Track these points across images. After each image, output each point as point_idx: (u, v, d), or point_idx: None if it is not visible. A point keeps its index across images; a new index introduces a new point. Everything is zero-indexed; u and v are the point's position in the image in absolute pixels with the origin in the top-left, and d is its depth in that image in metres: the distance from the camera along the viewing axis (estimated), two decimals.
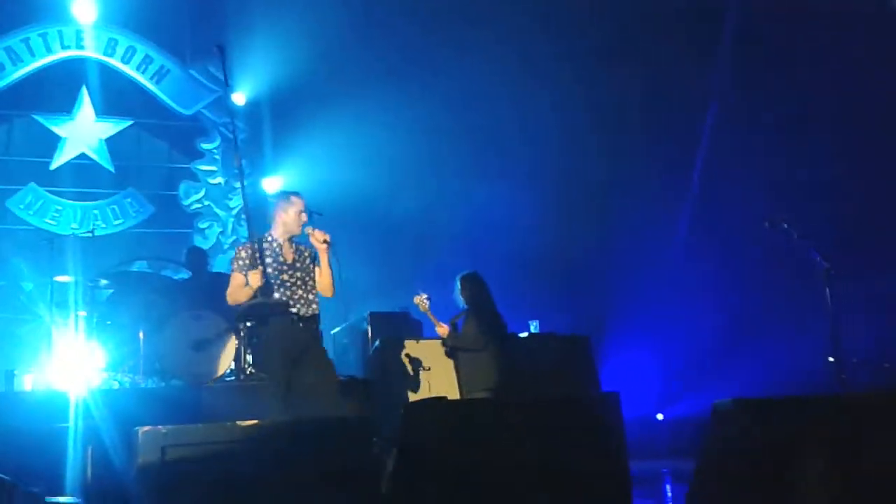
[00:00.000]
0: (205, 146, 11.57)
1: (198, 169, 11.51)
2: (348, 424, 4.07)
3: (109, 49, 11.17)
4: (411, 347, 7.81)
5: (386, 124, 10.57)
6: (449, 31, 10.67)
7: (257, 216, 6.57)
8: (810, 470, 3.74)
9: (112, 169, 11.08)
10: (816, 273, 6.70)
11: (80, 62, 11.06)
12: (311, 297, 5.62)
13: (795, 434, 3.83)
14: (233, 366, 7.60)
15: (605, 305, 10.39)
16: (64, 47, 10.97)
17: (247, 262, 5.49)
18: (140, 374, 7.43)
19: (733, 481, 3.80)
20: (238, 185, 11.46)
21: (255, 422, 3.87)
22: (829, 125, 9.72)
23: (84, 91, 11.02)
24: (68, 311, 7.89)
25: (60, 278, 8.16)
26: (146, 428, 3.59)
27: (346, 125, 10.60)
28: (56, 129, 10.91)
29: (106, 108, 11.10)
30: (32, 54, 10.85)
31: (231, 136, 11.23)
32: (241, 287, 5.46)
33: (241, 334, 7.56)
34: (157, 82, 11.36)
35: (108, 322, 7.87)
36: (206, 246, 10.86)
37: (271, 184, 11.18)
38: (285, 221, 5.67)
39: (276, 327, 5.50)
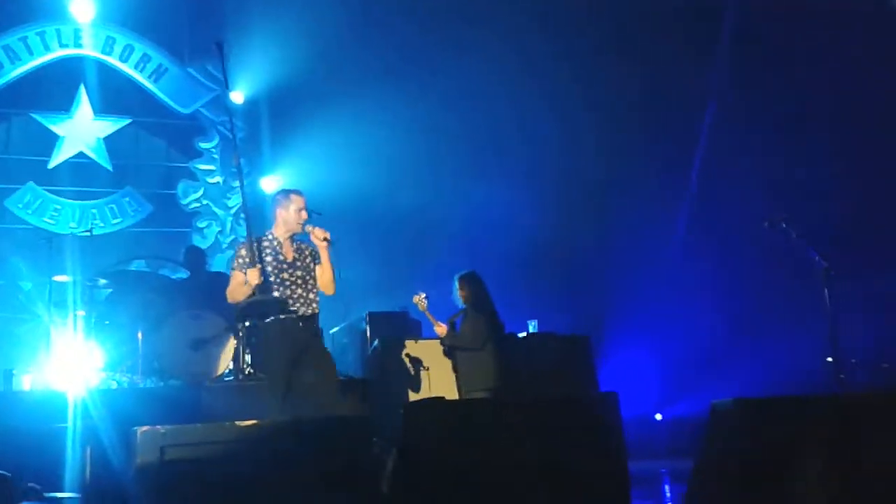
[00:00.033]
0: (203, 145, 11.56)
1: (196, 168, 11.50)
2: (348, 424, 4.07)
3: (107, 47, 11.16)
4: (410, 347, 7.82)
5: (384, 123, 10.56)
6: (447, 31, 10.67)
7: (255, 215, 6.57)
8: (809, 470, 3.75)
9: (110, 168, 11.07)
10: (815, 272, 6.70)
11: (78, 61, 11.04)
12: (311, 295, 5.60)
13: (794, 434, 3.83)
14: (231, 366, 7.59)
15: (604, 305, 10.39)
16: (62, 46, 10.96)
17: (247, 260, 5.48)
18: (138, 374, 7.42)
19: (732, 481, 3.80)
20: (236, 184, 11.46)
21: (253, 422, 3.87)
22: (827, 124, 9.73)
23: (82, 90, 11.01)
24: (67, 311, 7.89)
25: (59, 278, 8.16)
26: (145, 428, 3.59)
27: (345, 124, 10.59)
28: (54, 128, 10.90)
29: (104, 107, 11.09)
30: (30, 53, 10.83)
31: (230, 134, 11.26)
32: (241, 285, 5.45)
33: (240, 334, 7.56)
34: (156, 81, 11.35)
35: (107, 321, 7.86)
36: (204, 245, 10.85)
37: (269, 183, 11.18)
38: (285, 219, 5.65)
39: (275, 327, 5.49)
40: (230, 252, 11.10)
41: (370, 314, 8.40)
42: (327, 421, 4.32)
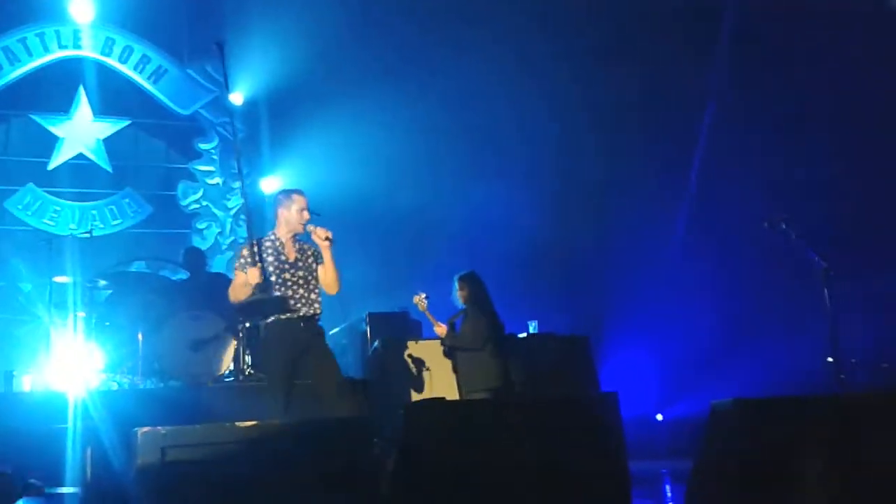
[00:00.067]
0: (203, 146, 11.57)
1: (196, 169, 11.51)
2: (348, 425, 4.07)
3: (107, 49, 11.16)
4: (410, 348, 7.83)
5: (383, 124, 10.57)
6: (446, 31, 10.67)
7: (255, 216, 6.57)
8: (809, 470, 3.75)
9: (110, 169, 11.07)
10: (815, 273, 6.69)
11: (77, 62, 11.05)
12: (312, 296, 5.59)
13: (794, 434, 3.83)
14: (232, 366, 7.59)
15: (604, 305, 10.39)
16: (61, 47, 10.97)
17: (248, 260, 5.48)
18: (139, 375, 7.42)
19: (732, 481, 3.80)
20: (236, 185, 11.48)
21: (254, 422, 3.87)
22: (826, 124, 9.73)
23: (81, 91, 11.01)
24: (67, 312, 7.89)
25: (59, 279, 8.16)
26: (145, 429, 3.59)
27: (344, 125, 10.60)
28: (54, 130, 10.91)
29: (103, 108, 11.10)
30: (30, 54, 10.84)
31: (229, 136, 11.27)
32: (243, 285, 5.44)
33: (240, 335, 7.56)
34: (155, 82, 11.36)
35: (107, 323, 7.86)
36: (204, 246, 10.85)
37: (269, 184, 11.18)
38: (287, 219, 5.64)
39: (275, 327, 5.49)
40: (230, 253, 11.13)
41: (370, 315, 8.41)
42: (327, 422, 4.32)
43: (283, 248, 5.61)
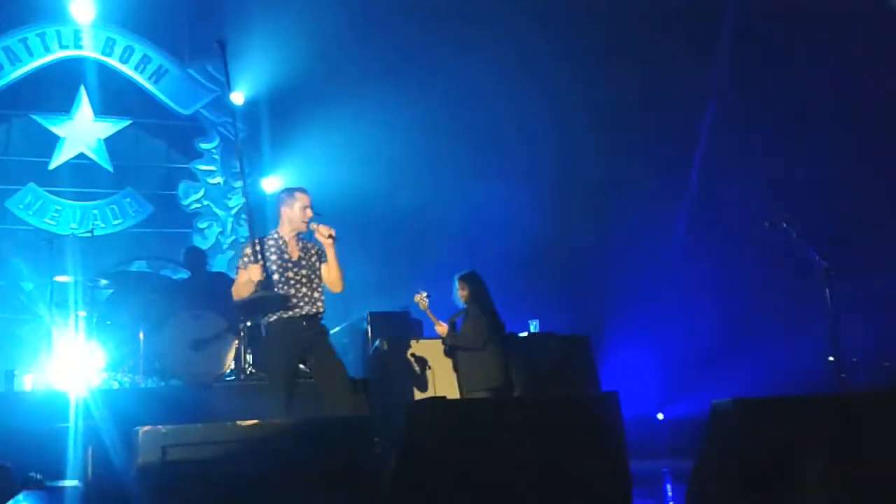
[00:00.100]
0: (203, 146, 11.58)
1: (197, 169, 11.52)
2: (349, 424, 4.08)
3: (108, 49, 11.17)
4: (411, 347, 7.83)
5: (384, 123, 10.57)
6: (447, 31, 10.67)
7: (255, 215, 6.57)
8: (810, 470, 3.75)
9: (111, 169, 11.08)
10: (815, 272, 6.70)
11: (78, 62, 11.06)
12: (315, 295, 5.58)
13: (795, 434, 3.83)
14: (233, 366, 7.60)
15: (605, 305, 10.39)
16: (62, 47, 10.97)
17: (251, 258, 5.48)
18: (140, 374, 7.42)
19: (732, 481, 3.80)
20: (237, 184, 11.49)
21: (255, 422, 3.87)
22: (827, 124, 9.73)
23: (82, 91, 11.02)
24: (68, 311, 7.89)
25: (60, 278, 8.16)
26: (146, 428, 3.59)
27: (345, 124, 10.60)
28: (54, 129, 10.91)
29: (104, 108, 11.10)
30: (31, 54, 10.85)
31: (230, 135, 11.28)
32: (245, 283, 5.44)
33: (242, 334, 7.56)
34: (156, 82, 11.36)
35: (108, 322, 7.86)
36: (205, 246, 10.86)
37: (270, 183, 11.19)
38: (290, 218, 5.63)
39: (278, 326, 5.48)
40: (231, 252, 11.14)
41: (371, 314, 8.41)
42: (328, 421, 4.32)
43: (287, 246, 5.61)
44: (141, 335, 7.44)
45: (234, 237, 11.39)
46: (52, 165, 10.83)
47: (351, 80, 10.79)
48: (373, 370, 7.93)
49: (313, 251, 5.67)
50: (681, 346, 10.13)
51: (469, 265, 7.30)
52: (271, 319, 5.50)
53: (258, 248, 5.48)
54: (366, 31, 10.87)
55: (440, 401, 5.98)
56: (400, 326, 8.36)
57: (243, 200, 10.91)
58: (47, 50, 10.91)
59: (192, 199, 11.40)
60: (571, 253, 10.72)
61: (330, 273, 5.61)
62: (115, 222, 10.91)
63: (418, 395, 7.58)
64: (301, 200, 5.63)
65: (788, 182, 9.51)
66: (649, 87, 10.46)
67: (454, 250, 9.89)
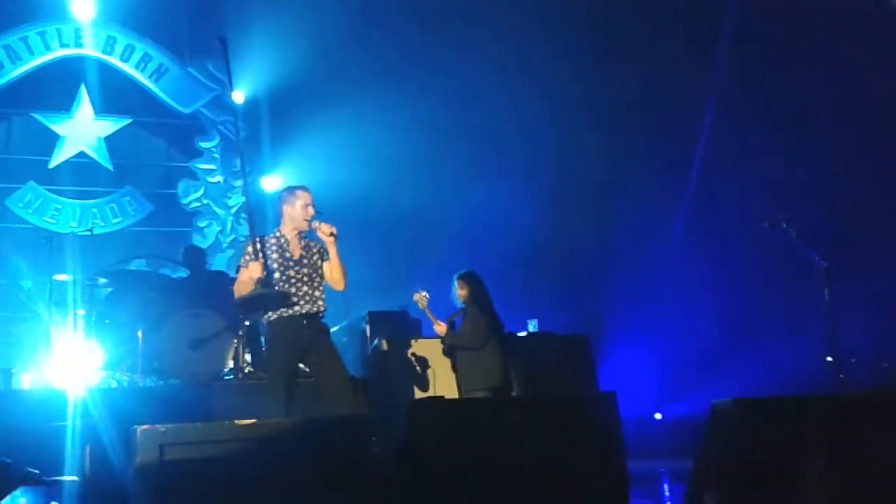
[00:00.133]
0: (203, 145, 11.57)
1: (197, 167, 11.51)
2: (348, 423, 4.07)
3: (108, 47, 11.16)
4: (410, 346, 7.82)
5: (384, 123, 10.57)
6: (447, 31, 10.68)
7: (255, 214, 6.56)
8: (809, 469, 3.75)
9: (111, 167, 11.07)
10: (815, 272, 6.70)
11: (78, 60, 11.05)
12: (316, 293, 5.57)
13: (794, 434, 3.83)
14: (231, 364, 7.59)
15: (604, 305, 10.40)
16: (63, 45, 10.96)
17: (251, 256, 5.48)
18: (138, 373, 7.41)
19: (732, 481, 3.80)
20: (237, 183, 11.49)
21: (253, 421, 3.87)
22: (827, 124, 9.73)
23: (83, 89, 11.01)
24: (67, 310, 7.90)
25: (59, 277, 8.16)
26: (144, 426, 3.59)
27: (345, 124, 10.60)
28: (55, 128, 10.91)
29: (105, 107, 11.10)
30: (31, 52, 10.84)
31: (230, 134, 11.27)
32: (247, 282, 5.44)
33: (240, 333, 7.56)
34: (156, 80, 11.36)
35: (107, 321, 7.86)
36: (204, 245, 10.85)
37: (270, 182, 11.19)
38: (292, 216, 5.62)
39: (278, 325, 5.48)
40: (230, 251, 11.14)
41: (370, 313, 8.40)
42: (327, 420, 4.32)
43: (288, 244, 5.60)
44: (140, 334, 7.43)
45: (233, 236, 11.39)
46: (52, 164, 10.82)
47: (351, 79, 10.79)
48: (372, 369, 7.93)
49: (315, 249, 5.67)
50: (680, 346, 10.13)
51: (469, 265, 7.30)
52: (272, 318, 5.49)
53: (259, 246, 5.48)
54: (366, 31, 10.87)
55: (439, 400, 5.98)
56: (399, 326, 8.35)
57: (243, 199, 10.90)
58: (48, 48, 10.90)
59: (191, 197, 11.39)
60: (571, 253, 10.72)
61: (332, 271, 5.60)
62: (115, 221, 10.90)
63: (417, 395, 7.58)
64: (303, 198, 5.62)
65: (788, 182, 9.51)
66: (649, 87, 10.46)
67: (454, 250, 9.89)
